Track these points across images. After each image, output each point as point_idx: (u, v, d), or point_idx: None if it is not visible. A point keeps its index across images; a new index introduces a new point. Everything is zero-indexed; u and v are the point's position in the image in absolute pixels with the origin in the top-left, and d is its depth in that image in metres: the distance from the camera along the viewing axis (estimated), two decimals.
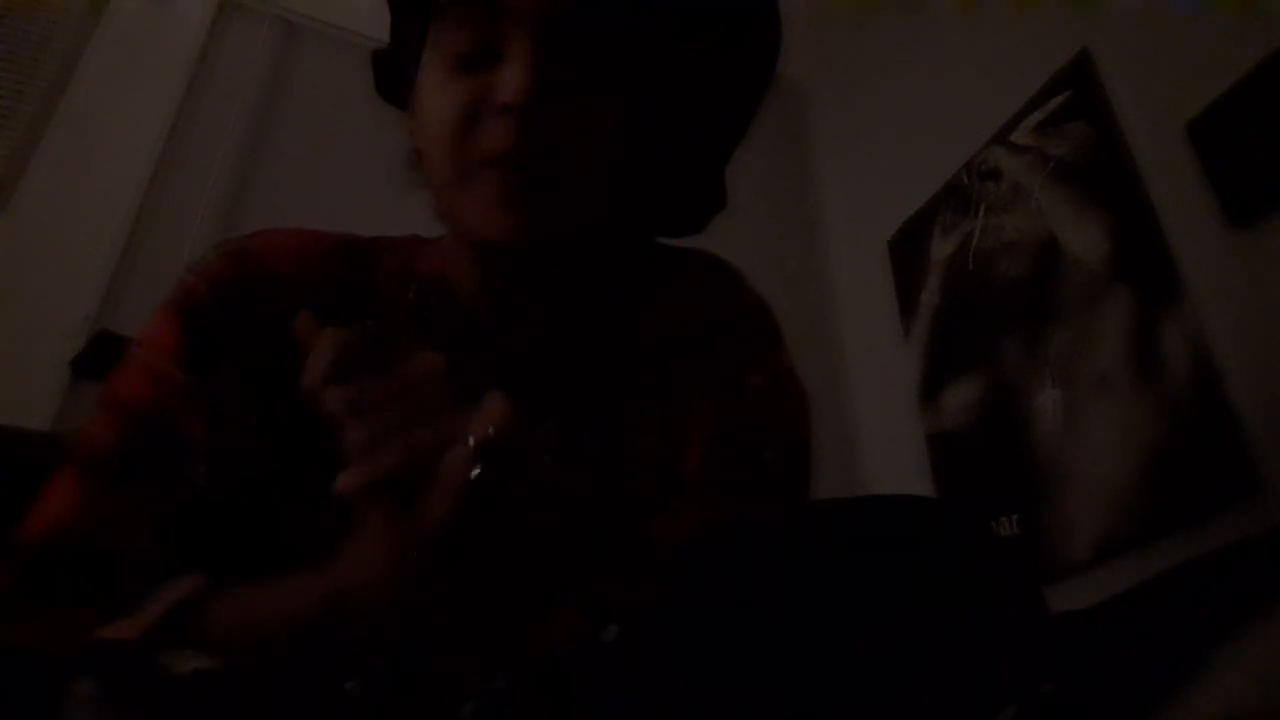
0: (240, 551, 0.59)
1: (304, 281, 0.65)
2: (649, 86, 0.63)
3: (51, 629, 0.53)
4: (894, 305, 2.06)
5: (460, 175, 0.60)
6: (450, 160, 0.60)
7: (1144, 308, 1.44)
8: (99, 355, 1.55)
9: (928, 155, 2.04)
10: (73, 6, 1.83)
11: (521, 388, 0.66)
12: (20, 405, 1.45)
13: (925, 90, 2.13)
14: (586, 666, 0.41)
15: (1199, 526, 1.26)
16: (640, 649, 0.40)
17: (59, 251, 1.62)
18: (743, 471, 0.63)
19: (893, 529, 0.41)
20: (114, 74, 1.81)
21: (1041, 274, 1.66)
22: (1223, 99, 1.36)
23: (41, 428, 1.41)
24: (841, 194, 2.42)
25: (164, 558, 0.57)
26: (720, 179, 0.73)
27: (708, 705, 0.39)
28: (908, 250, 2.07)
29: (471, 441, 0.44)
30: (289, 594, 0.50)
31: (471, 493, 0.43)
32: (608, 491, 0.56)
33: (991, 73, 1.91)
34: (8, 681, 0.44)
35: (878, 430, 2.06)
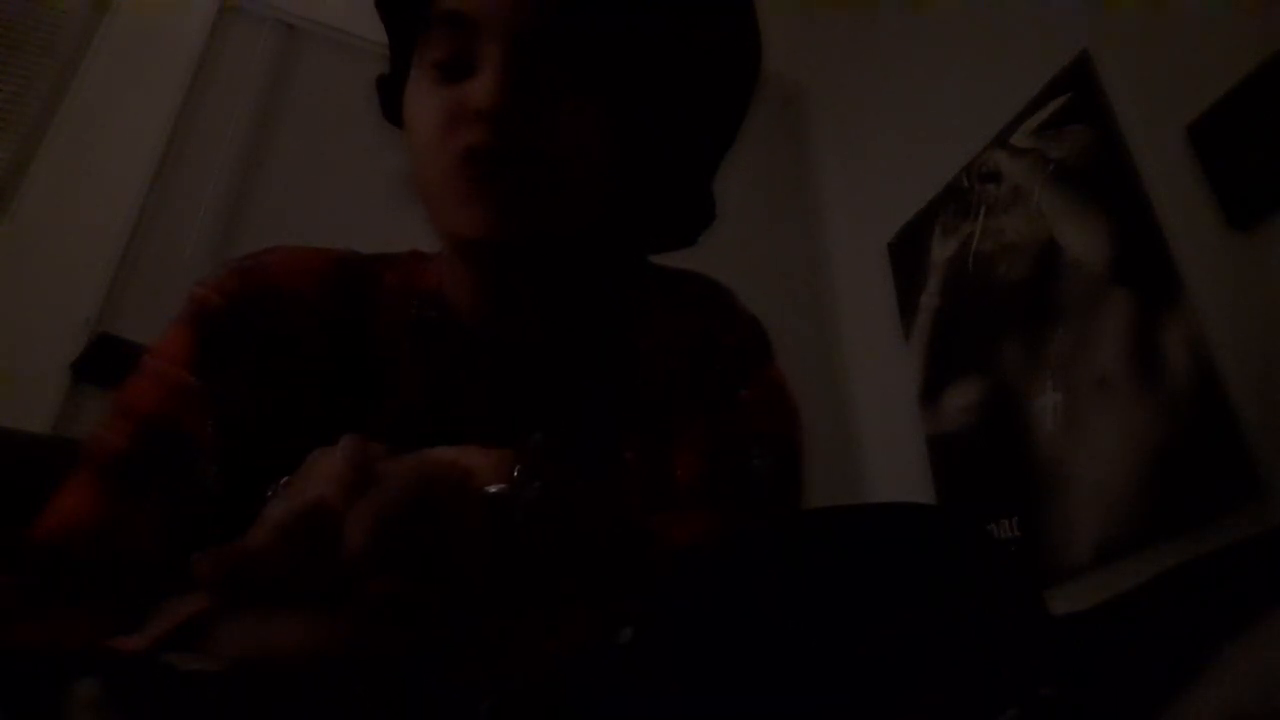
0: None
1: (309, 296, 0.67)
2: (625, 89, 0.64)
3: (58, 630, 0.53)
4: (894, 307, 2.07)
5: (439, 177, 0.61)
6: (431, 163, 0.62)
7: (1144, 310, 1.44)
8: (99, 358, 1.55)
9: (928, 157, 2.05)
10: (74, 10, 1.83)
11: (518, 400, 0.66)
12: (20, 408, 1.45)
13: (925, 92, 2.13)
14: (601, 668, 0.42)
15: (1199, 529, 1.26)
16: (653, 650, 0.41)
17: (59, 255, 1.63)
18: (732, 481, 0.64)
19: (893, 534, 0.42)
20: (115, 77, 1.81)
21: (1042, 276, 1.66)
22: (1223, 101, 1.37)
23: (42, 430, 1.41)
24: (841, 196, 2.42)
25: (173, 561, 0.57)
26: (708, 191, 0.73)
27: (714, 706, 0.39)
28: (908, 252, 2.07)
29: (493, 489, 0.44)
30: (302, 627, 0.50)
31: (499, 537, 0.43)
32: (604, 500, 0.56)
33: (992, 75, 1.91)
34: (8, 681, 0.44)
35: (878, 432, 2.06)
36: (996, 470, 1.66)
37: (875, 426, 2.08)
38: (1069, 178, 1.65)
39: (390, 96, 0.71)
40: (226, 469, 0.61)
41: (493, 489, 0.44)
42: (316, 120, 1.97)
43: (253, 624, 0.51)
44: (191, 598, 0.53)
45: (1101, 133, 1.60)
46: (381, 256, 0.73)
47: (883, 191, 2.22)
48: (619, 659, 0.41)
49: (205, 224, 1.77)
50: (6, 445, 0.83)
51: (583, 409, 0.66)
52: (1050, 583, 1.43)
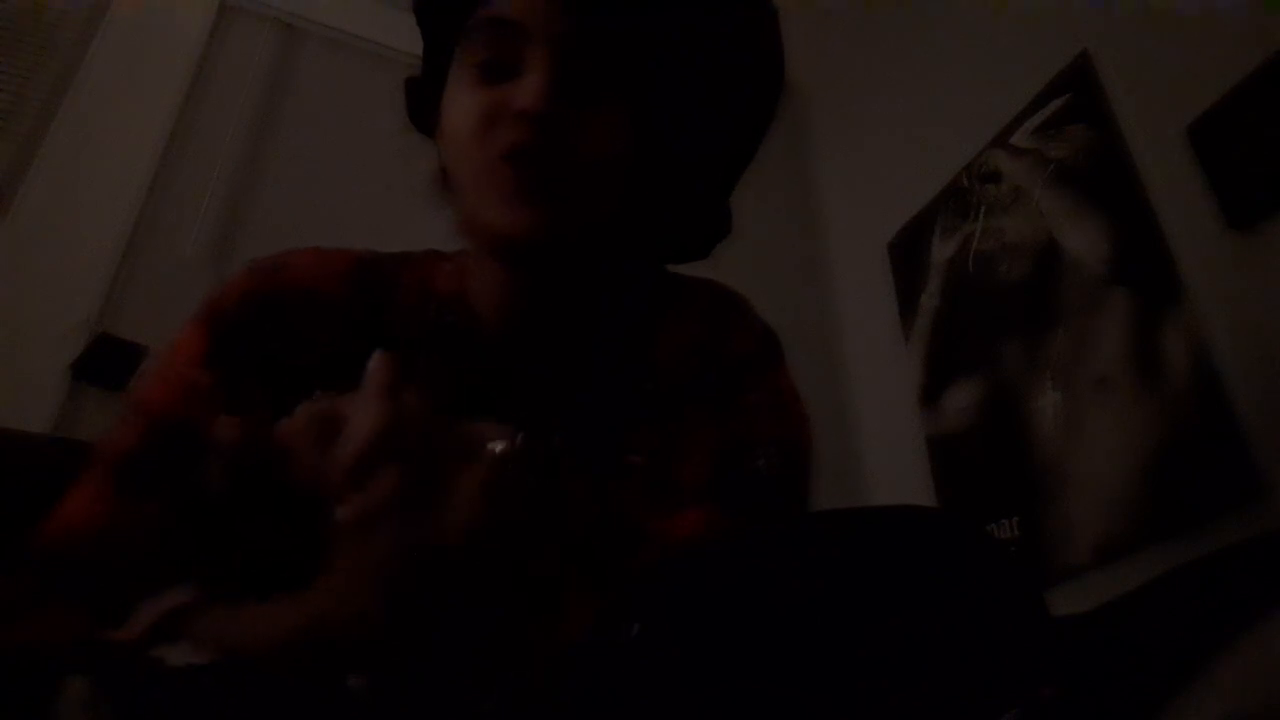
0: (252, 557, 0.60)
1: (326, 296, 0.68)
2: (655, 96, 0.66)
3: (60, 630, 0.54)
4: (894, 308, 2.07)
5: (478, 174, 0.62)
6: (469, 160, 0.63)
7: (1144, 310, 1.44)
8: (99, 358, 1.55)
9: (928, 157, 2.04)
10: (73, 10, 1.83)
11: (532, 402, 0.67)
12: (20, 408, 1.45)
13: (925, 92, 2.13)
14: (608, 663, 0.42)
15: (1199, 529, 1.26)
16: (659, 647, 0.41)
17: (59, 255, 1.63)
18: (737, 484, 0.64)
19: (895, 535, 0.42)
20: (114, 78, 1.81)
21: (1041, 276, 1.66)
22: (1223, 102, 1.36)
23: (41, 431, 1.41)
24: (841, 196, 2.42)
25: (179, 560, 0.57)
26: (725, 204, 0.75)
27: (718, 703, 0.39)
28: (908, 253, 2.07)
29: (498, 448, 0.45)
30: (278, 615, 0.50)
31: (497, 496, 0.44)
32: (606, 500, 0.57)
33: (992, 75, 1.91)
34: (2, 680, 0.44)
35: (878, 433, 2.06)
36: (996, 470, 1.66)
37: (875, 426, 2.08)
38: (1069, 178, 1.65)
39: (420, 102, 0.72)
40: (235, 469, 0.61)
41: (496, 446, 0.46)
42: (316, 120, 1.97)
43: (230, 614, 0.52)
44: (174, 592, 0.53)
45: (1101, 133, 1.60)
46: (399, 255, 0.74)
47: (883, 191, 2.22)
48: (625, 655, 0.41)
49: (205, 224, 1.77)
50: (6, 445, 0.83)
51: (594, 412, 0.66)
52: (1050, 583, 1.43)
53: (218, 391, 0.62)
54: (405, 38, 0.73)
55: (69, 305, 1.60)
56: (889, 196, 2.16)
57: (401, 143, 0.74)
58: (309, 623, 0.48)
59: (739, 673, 0.39)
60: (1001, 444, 1.66)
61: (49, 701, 0.41)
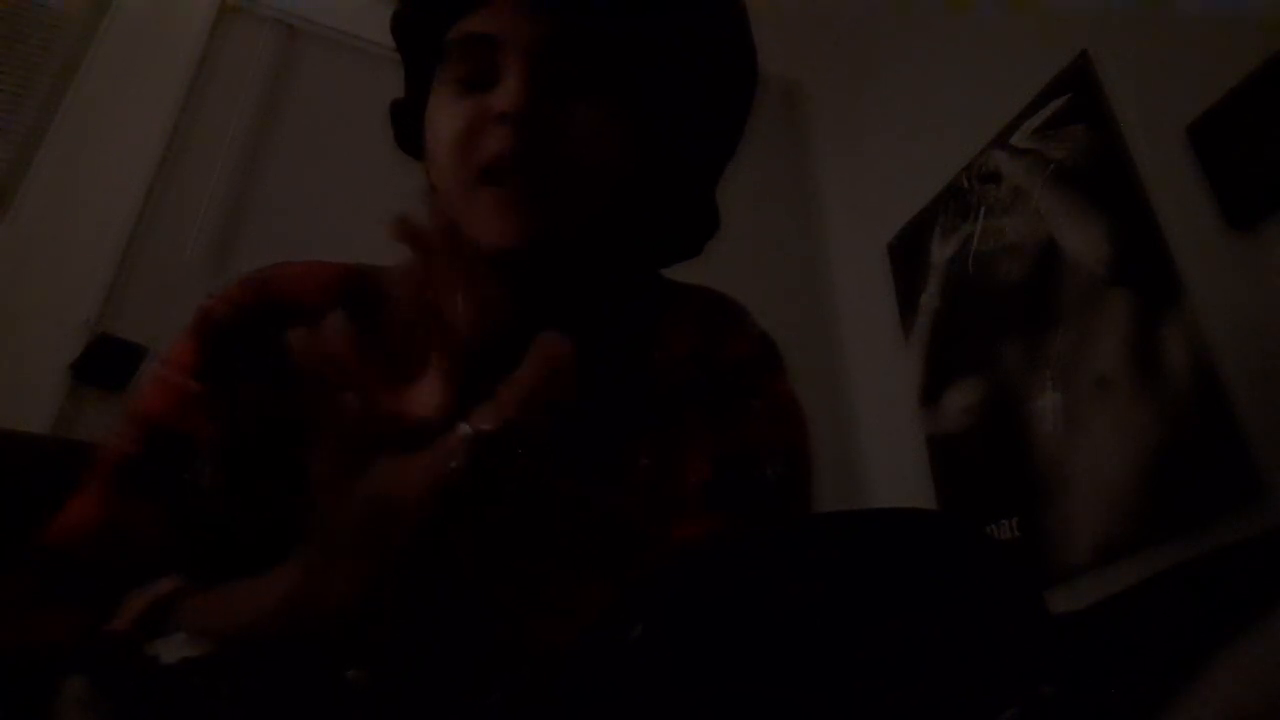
0: (249, 558, 0.60)
1: (315, 307, 0.68)
2: (634, 92, 0.67)
3: (62, 629, 0.54)
4: (894, 308, 2.07)
5: (464, 187, 0.63)
6: (455, 173, 0.63)
7: (1144, 310, 1.44)
8: (99, 359, 1.55)
9: (928, 158, 2.05)
10: (73, 10, 1.83)
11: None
12: (20, 408, 1.45)
13: (925, 92, 2.13)
14: (609, 664, 0.42)
15: (1199, 529, 1.26)
16: (661, 647, 0.41)
17: (59, 255, 1.63)
18: (741, 488, 0.64)
19: (895, 537, 0.42)
20: (115, 78, 1.81)
21: (1041, 277, 1.66)
22: (1222, 102, 1.37)
23: (42, 430, 1.41)
24: (841, 196, 2.42)
25: (178, 561, 0.58)
26: (712, 200, 0.75)
27: (719, 703, 0.39)
28: (908, 253, 2.07)
29: (464, 431, 0.45)
30: (257, 593, 0.50)
31: (451, 486, 0.44)
32: (603, 501, 0.57)
33: (992, 75, 1.91)
34: (2, 680, 0.44)
35: (878, 433, 2.06)
36: (996, 470, 1.66)
37: (875, 427, 2.08)
38: (1069, 178, 1.65)
39: (405, 125, 0.73)
40: (230, 472, 0.62)
41: (463, 430, 0.46)
42: (316, 120, 1.97)
43: (214, 597, 0.52)
44: (159, 582, 0.53)
45: (1101, 133, 1.60)
46: (390, 267, 0.74)
47: (883, 191, 2.22)
48: (627, 656, 0.41)
49: (205, 224, 1.77)
50: (6, 445, 0.83)
51: (593, 417, 0.67)
52: (1050, 583, 1.43)
53: (210, 400, 0.63)
54: None
55: (69, 305, 1.60)
56: (889, 196, 2.16)
57: (420, 166, 0.74)
58: (285, 599, 0.47)
59: (740, 674, 0.39)
60: (1001, 444, 1.66)
61: (49, 701, 0.41)
